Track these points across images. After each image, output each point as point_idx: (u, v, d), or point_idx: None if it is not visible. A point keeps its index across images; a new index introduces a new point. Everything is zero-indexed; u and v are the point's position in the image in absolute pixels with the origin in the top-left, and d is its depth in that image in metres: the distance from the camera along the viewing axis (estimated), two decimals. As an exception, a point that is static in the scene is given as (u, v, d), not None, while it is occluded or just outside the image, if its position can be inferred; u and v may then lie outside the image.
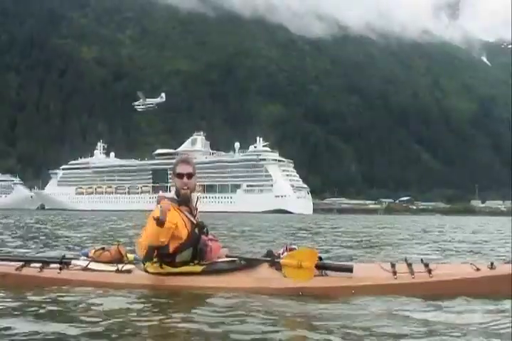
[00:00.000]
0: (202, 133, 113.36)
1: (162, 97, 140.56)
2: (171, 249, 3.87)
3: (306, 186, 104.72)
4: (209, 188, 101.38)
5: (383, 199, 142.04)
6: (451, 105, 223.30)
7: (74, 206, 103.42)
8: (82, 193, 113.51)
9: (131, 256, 4.24)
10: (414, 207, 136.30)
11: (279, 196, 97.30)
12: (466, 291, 3.80)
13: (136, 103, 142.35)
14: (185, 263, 3.94)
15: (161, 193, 4.11)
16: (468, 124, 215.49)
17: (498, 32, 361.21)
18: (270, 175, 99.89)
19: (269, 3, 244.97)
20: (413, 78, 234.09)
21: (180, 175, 4.03)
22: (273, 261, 3.96)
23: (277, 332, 2.91)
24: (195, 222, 3.99)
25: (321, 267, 3.90)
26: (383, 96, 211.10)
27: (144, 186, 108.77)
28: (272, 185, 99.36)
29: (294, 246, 4.07)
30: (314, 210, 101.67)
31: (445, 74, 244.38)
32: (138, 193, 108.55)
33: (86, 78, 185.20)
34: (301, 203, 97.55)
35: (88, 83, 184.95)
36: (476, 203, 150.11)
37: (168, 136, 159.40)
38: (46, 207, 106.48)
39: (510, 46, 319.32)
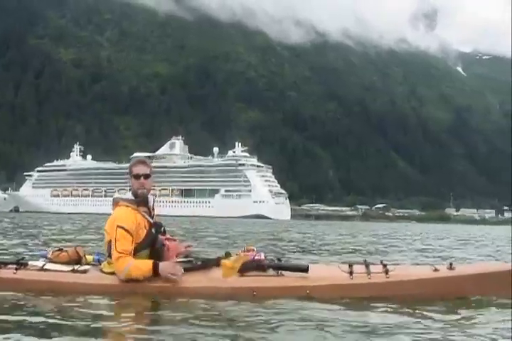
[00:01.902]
0: (180, 137, 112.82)
1: None
2: None
3: (284, 192, 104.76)
4: (187, 192, 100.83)
5: (360, 206, 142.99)
6: (428, 114, 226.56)
7: (49, 208, 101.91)
8: (58, 195, 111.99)
9: (89, 258, 4.21)
10: (391, 214, 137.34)
11: (257, 201, 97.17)
12: (423, 292, 3.78)
13: None
14: None
15: (116, 194, 4.15)
16: (444, 133, 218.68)
17: (473, 43, 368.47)
18: (249, 181, 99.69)
19: (247, 8, 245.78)
20: (390, 86, 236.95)
21: (137, 176, 4.04)
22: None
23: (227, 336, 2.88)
24: (152, 222, 4.00)
25: (277, 267, 3.90)
26: (361, 103, 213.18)
27: (121, 189, 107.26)
28: (250, 191, 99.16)
29: (252, 248, 4.07)
30: (292, 216, 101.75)
31: (422, 83, 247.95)
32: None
33: (63, 79, 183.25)
34: (280, 209, 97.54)
35: (65, 85, 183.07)
36: (451, 211, 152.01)
37: (145, 139, 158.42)
38: (21, 210, 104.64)
39: (485, 57, 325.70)
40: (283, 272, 3.88)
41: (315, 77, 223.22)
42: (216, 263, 3.97)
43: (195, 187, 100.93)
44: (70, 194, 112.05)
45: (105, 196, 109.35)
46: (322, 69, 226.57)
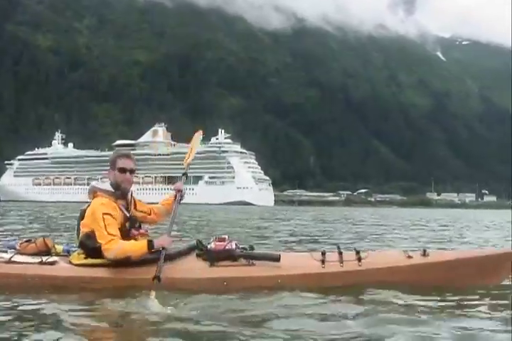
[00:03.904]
0: (163, 124, 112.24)
1: None
2: (99, 243, 3.78)
3: (267, 178, 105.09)
4: (170, 180, 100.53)
5: (342, 192, 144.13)
6: (407, 100, 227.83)
7: (31, 197, 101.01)
8: (40, 184, 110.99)
9: (59, 248, 4.10)
10: (372, 199, 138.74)
11: (240, 188, 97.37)
12: (396, 280, 3.72)
13: None
14: None
15: (94, 183, 4.08)
16: (424, 119, 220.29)
17: (453, 28, 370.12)
18: (232, 167, 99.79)
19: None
20: (371, 72, 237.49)
21: (123, 170, 4.00)
22: (201, 250, 3.92)
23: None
24: (128, 216, 3.96)
25: (248, 256, 3.85)
26: (343, 89, 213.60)
27: (103, 177, 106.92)
28: (233, 177, 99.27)
29: (224, 236, 3.99)
30: (275, 202, 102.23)
31: (401, 68, 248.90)
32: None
33: (41, 67, 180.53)
34: (263, 195, 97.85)
35: (44, 72, 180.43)
36: (432, 195, 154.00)
37: (126, 127, 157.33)
38: (2, 199, 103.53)
39: (464, 43, 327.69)
40: (254, 261, 3.82)
41: (296, 64, 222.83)
42: (186, 253, 3.94)
43: (179, 174, 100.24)
44: (52, 182, 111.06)
45: (87, 184, 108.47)
46: (303, 55, 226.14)
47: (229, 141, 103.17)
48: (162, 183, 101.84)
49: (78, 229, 3.92)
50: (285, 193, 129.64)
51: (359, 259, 3.80)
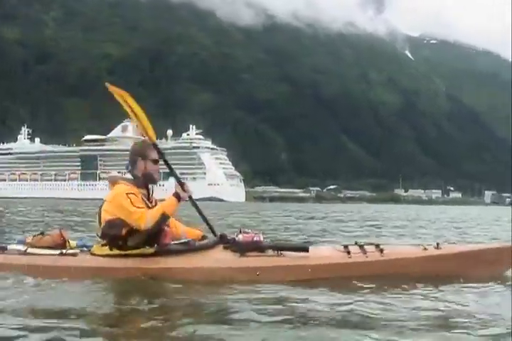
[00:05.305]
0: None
1: None
2: (124, 232, 3.81)
3: (238, 174, 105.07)
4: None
5: (312, 188, 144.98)
6: (377, 97, 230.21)
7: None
8: (5, 180, 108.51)
9: (73, 243, 4.06)
10: (342, 196, 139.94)
11: (212, 184, 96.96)
12: (415, 270, 4.00)
13: None
14: (137, 246, 3.87)
15: (112, 173, 4.21)
16: (393, 116, 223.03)
17: (421, 28, 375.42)
18: (203, 163, 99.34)
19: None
20: (341, 69, 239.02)
21: (155, 161, 4.10)
22: (228, 242, 4.01)
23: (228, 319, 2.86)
24: (150, 206, 3.97)
25: (276, 247, 4.01)
26: (313, 86, 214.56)
27: (72, 173, 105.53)
28: (205, 173, 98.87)
29: (247, 230, 4.13)
30: (246, 198, 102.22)
31: (371, 66, 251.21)
32: (65, 180, 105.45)
33: (7, 59, 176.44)
34: (234, 191, 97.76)
35: (9, 64, 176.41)
36: (400, 192, 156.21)
37: (94, 121, 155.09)
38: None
39: (432, 41, 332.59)
40: (283, 252, 3.96)
41: (268, 60, 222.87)
42: (214, 245, 4.01)
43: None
44: (17, 178, 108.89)
45: (55, 180, 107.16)
46: (275, 51, 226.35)
47: (200, 136, 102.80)
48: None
49: (100, 219, 3.92)
50: (256, 189, 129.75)
51: (381, 251, 4.05)
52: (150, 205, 3.94)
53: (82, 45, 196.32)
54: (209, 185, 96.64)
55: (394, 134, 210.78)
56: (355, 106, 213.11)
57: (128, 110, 4.43)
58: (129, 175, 4.05)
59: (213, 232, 4.17)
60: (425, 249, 4.14)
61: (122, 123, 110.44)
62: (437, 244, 4.22)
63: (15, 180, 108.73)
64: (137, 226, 3.74)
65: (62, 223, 12.36)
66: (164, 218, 3.78)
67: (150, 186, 4.10)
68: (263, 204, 78.75)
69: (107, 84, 4.37)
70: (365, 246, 4.12)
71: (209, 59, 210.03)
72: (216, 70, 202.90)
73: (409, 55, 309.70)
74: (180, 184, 4.00)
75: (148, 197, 4.04)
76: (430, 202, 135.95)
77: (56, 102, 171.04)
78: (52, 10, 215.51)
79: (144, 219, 3.72)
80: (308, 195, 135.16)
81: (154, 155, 4.10)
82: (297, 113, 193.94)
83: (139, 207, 3.77)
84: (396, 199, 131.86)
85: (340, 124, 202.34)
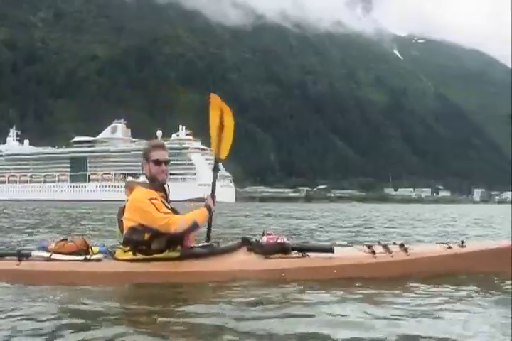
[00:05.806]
0: (122, 120, 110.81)
1: None
2: (147, 237, 3.76)
3: (229, 174, 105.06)
4: (131, 176, 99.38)
5: (301, 188, 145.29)
6: (365, 96, 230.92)
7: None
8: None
9: (96, 249, 4.01)
10: (332, 195, 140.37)
11: (202, 184, 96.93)
12: (441, 268, 4.02)
13: None
14: (160, 250, 3.81)
15: (130, 178, 4.07)
16: (381, 115, 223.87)
17: (409, 27, 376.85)
18: (193, 164, 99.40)
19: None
20: (329, 69, 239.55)
21: (158, 162, 3.99)
22: (251, 245, 4.02)
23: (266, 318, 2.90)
24: (169, 207, 3.93)
25: (300, 249, 4.01)
26: (301, 85, 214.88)
27: (61, 175, 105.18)
28: (195, 174, 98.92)
29: (269, 232, 4.12)
30: (236, 199, 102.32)
31: (359, 65, 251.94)
32: (55, 182, 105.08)
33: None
34: (225, 192, 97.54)
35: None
36: (389, 191, 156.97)
37: (84, 123, 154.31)
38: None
39: (420, 41, 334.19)
40: (307, 254, 3.97)
41: (255, 60, 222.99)
42: (237, 247, 4.00)
43: (140, 172, 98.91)
44: (6, 180, 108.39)
45: (44, 182, 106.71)
46: (262, 51, 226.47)
47: (190, 137, 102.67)
48: (122, 180, 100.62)
49: (121, 226, 3.90)
50: (246, 190, 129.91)
51: (405, 250, 4.05)
52: (169, 207, 3.90)
53: (70, 46, 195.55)
54: (199, 185, 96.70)
55: (382, 133, 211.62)
56: (343, 105, 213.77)
57: (214, 123, 4.51)
58: (142, 179, 4.03)
59: (208, 237, 4.11)
60: (450, 247, 4.14)
61: (112, 125, 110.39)
62: (462, 241, 4.22)
63: (4, 182, 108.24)
64: (166, 231, 3.72)
65: (52, 225, 12.54)
66: (195, 226, 3.77)
67: (166, 186, 4.05)
68: (253, 203, 78.88)
69: (212, 95, 4.47)
70: (389, 246, 4.11)
71: (196, 59, 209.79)
72: (203, 70, 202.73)
73: (397, 54, 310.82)
74: (213, 197, 4.02)
75: (167, 198, 4.00)
76: (419, 200, 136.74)
77: (45, 103, 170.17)
78: (40, 11, 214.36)
79: (176, 224, 3.70)
80: (298, 194, 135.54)
81: (156, 155, 3.99)
82: (285, 113, 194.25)
83: (165, 213, 3.73)
84: (385, 198, 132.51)
85: (328, 124, 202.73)
